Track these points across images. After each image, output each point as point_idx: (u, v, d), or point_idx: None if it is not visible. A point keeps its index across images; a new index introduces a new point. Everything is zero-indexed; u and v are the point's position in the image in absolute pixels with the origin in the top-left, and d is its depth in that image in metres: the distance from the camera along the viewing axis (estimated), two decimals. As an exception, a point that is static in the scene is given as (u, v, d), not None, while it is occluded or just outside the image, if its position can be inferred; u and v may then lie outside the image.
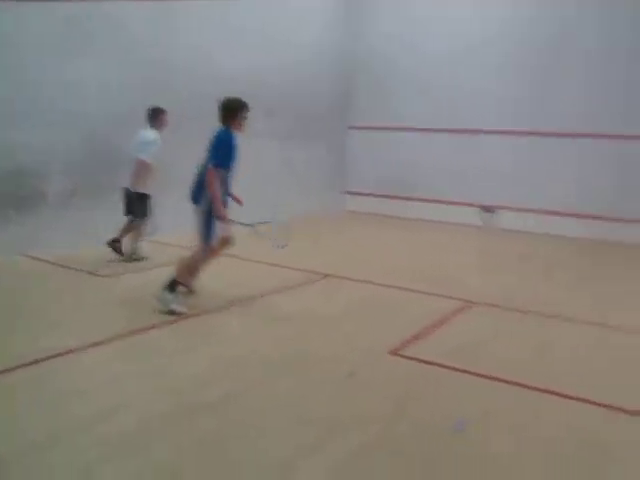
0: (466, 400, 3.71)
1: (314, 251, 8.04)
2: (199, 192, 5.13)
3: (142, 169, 6.72)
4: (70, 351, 4.23)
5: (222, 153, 5.06)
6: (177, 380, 3.87)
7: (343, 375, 3.99)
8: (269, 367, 4.12)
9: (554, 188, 9.93)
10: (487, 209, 10.60)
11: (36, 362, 4.02)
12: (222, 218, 5.05)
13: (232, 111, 5.16)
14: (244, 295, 5.72)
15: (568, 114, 9.71)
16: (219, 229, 5.11)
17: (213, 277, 5.99)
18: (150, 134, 6.80)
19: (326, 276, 6.59)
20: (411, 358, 4.33)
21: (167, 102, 7.51)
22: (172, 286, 5.14)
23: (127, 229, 7.00)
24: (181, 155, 6.84)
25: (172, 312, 5.06)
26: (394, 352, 4.42)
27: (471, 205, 10.70)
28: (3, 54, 6.85)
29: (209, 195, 5.02)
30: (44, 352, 4.16)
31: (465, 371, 4.11)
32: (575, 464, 3.05)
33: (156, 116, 6.88)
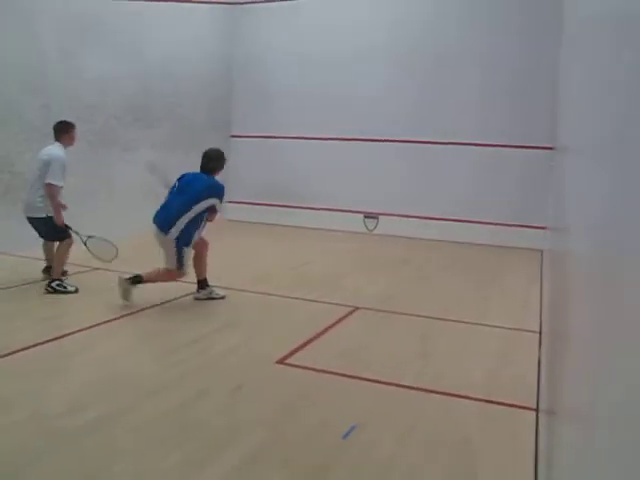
0: (353, 405, 3.72)
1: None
2: (172, 222, 5.60)
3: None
4: None
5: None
6: (48, 404, 3.59)
7: (229, 388, 3.89)
8: (148, 384, 3.92)
9: (436, 195, 10.35)
10: (370, 216, 10.85)
11: None
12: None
13: (213, 160, 6.24)
14: (122, 307, 5.45)
15: (453, 123, 10.15)
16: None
17: (83, 292, 5.70)
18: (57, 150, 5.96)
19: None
20: (298, 366, 4.30)
21: (36, 111, 7.07)
22: (137, 280, 5.58)
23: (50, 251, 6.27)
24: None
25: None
26: (281, 361, 4.38)
27: (355, 212, 10.91)
28: None
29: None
30: None
31: (351, 376, 4.15)
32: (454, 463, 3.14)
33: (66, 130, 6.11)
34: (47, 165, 5.77)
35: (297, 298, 6.14)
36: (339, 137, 10.93)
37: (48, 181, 5.73)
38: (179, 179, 5.89)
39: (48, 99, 8.08)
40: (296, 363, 4.36)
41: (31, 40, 7.88)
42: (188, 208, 5.59)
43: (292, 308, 5.87)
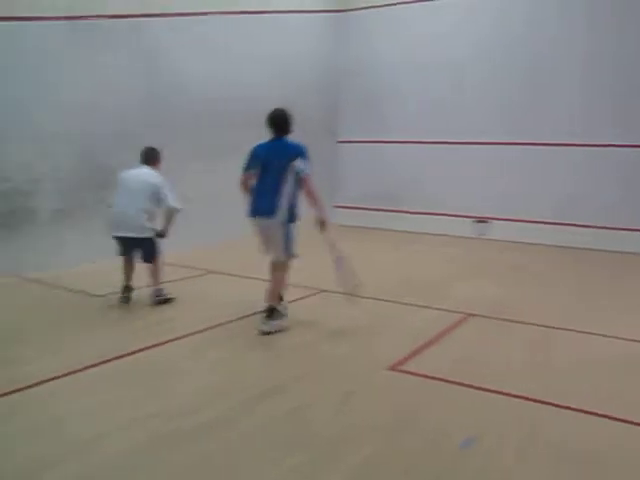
0: (469, 415, 3.62)
1: (304, 264, 7.94)
2: (271, 204, 5.03)
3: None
4: (56, 376, 4.08)
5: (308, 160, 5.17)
6: (164, 404, 3.74)
7: (341, 394, 3.90)
8: (260, 388, 4.00)
9: (547, 198, 9.94)
10: (480, 220, 10.58)
11: (19, 390, 3.86)
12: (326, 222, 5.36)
13: (290, 121, 5.34)
14: (236, 313, 5.60)
15: (560, 124, 9.75)
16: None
17: (206, 295, 5.91)
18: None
19: (320, 292, 6.50)
20: (411, 373, 4.25)
21: (159, 125, 7.48)
22: (270, 313, 5.12)
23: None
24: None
25: (282, 328, 5.14)
26: (393, 368, 4.34)
27: (463, 217, 10.68)
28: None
29: (315, 202, 5.21)
30: (29, 378, 4.01)
31: (466, 385, 4.04)
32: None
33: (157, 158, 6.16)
34: (155, 188, 5.74)
35: (407, 304, 6.08)
36: (446, 140, 10.74)
37: (173, 205, 5.78)
38: (260, 158, 5.16)
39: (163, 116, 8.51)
40: (408, 370, 4.31)
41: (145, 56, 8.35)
42: (282, 180, 5.06)
43: (402, 314, 5.82)
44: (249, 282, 6.72)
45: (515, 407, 3.74)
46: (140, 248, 5.81)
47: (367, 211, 11.64)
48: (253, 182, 5.20)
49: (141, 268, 5.90)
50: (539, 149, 9.95)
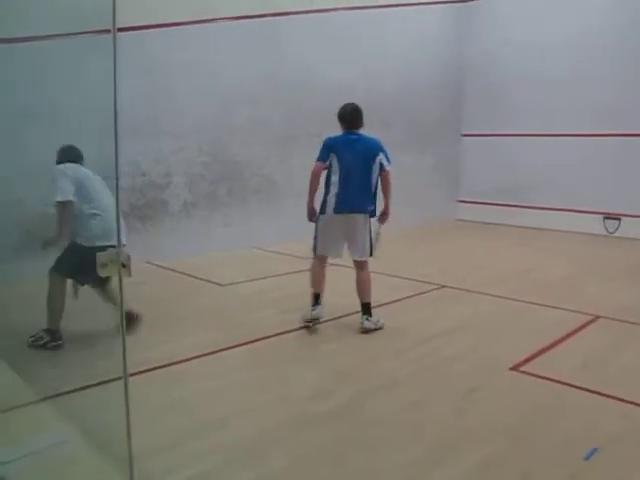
0: (596, 424, 3.47)
1: (425, 260, 7.93)
2: (365, 199, 5.00)
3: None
4: (191, 358, 4.38)
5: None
6: (294, 389, 3.91)
7: (463, 391, 3.88)
8: (386, 379, 4.07)
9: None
10: (611, 217, 10.02)
11: (153, 369, 4.15)
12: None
13: (363, 116, 5.08)
14: (355, 305, 5.69)
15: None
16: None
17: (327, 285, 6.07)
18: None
19: (442, 287, 6.46)
20: (534, 375, 4.13)
21: (280, 118, 7.71)
22: (369, 310, 5.14)
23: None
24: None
25: (380, 327, 5.09)
26: (516, 368, 4.25)
27: (593, 213, 10.15)
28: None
29: (390, 196, 5.07)
30: (161, 359, 4.30)
31: (594, 392, 3.87)
32: None
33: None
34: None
35: (532, 303, 5.90)
36: (574, 133, 10.21)
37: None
38: (336, 151, 4.97)
39: (288, 107, 8.77)
40: (532, 371, 4.20)
41: (279, 54, 8.62)
42: (371, 175, 4.98)
43: (527, 313, 5.66)
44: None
45: (647, 417, 3.56)
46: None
47: (491, 206, 11.35)
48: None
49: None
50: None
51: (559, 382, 4.01)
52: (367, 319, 5.09)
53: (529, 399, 3.80)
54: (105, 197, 4.59)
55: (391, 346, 4.75)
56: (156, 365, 4.21)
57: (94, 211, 4.49)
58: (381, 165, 4.99)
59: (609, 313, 5.55)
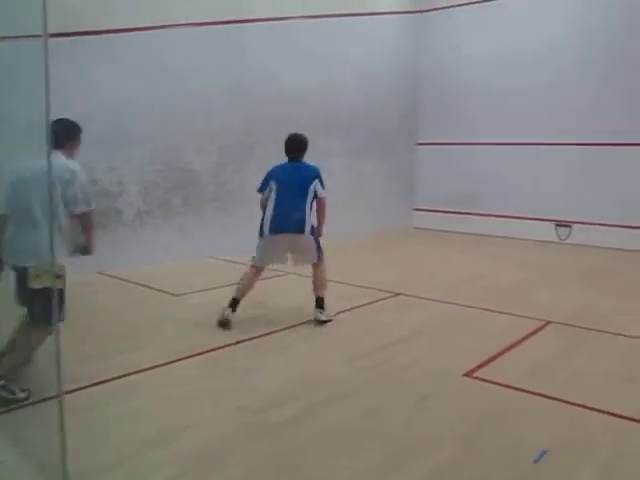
0: (546, 427, 3.53)
1: (381, 268, 7.97)
2: (299, 221, 5.36)
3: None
4: (142, 369, 4.30)
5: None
6: (250, 398, 3.86)
7: (416, 398, 3.90)
8: (339, 388, 4.06)
9: (635, 201, 9.52)
10: (562, 224, 10.26)
11: (108, 380, 4.07)
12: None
13: (305, 146, 5.57)
14: (309, 314, 5.68)
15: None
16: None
17: (279, 295, 6.03)
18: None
19: (397, 295, 6.50)
20: (486, 381, 4.19)
21: (239, 125, 7.65)
22: (321, 304, 5.53)
23: None
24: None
25: (329, 320, 5.50)
26: (469, 374, 4.29)
27: (545, 220, 10.38)
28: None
29: (324, 219, 5.51)
30: (116, 370, 4.22)
31: (544, 396, 3.94)
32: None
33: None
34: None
35: (484, 309, 5.98)
36: (527, 142, 10.46)
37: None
38: (275, 178, 5.44)
39: (248, 114, 8.74)
40: (484, 377, 4.25)
41: (240, 62, 8.61)
42: (305, 199, 5.40)
43: (479, 320, 5.73)
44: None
45: (594, 421, 3.62)
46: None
47: (446, 214, 11.50)
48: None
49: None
50: (627, 150, 9.55)
51: (510, 387, 4.07)
52: (320, 312, 5.49)
53: (480, 405, 3.84)
54: None
55: (346, 354, 4.74)
56: (112, 376, 4.12)
57: None
58: (315, 191, 5.42)
59: (559, 318, 5.66)
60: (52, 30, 2.29)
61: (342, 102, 10.02)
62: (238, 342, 4.92)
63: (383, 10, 10.96)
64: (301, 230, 5.37)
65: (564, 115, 9.99)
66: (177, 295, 6.42)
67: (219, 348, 4.77)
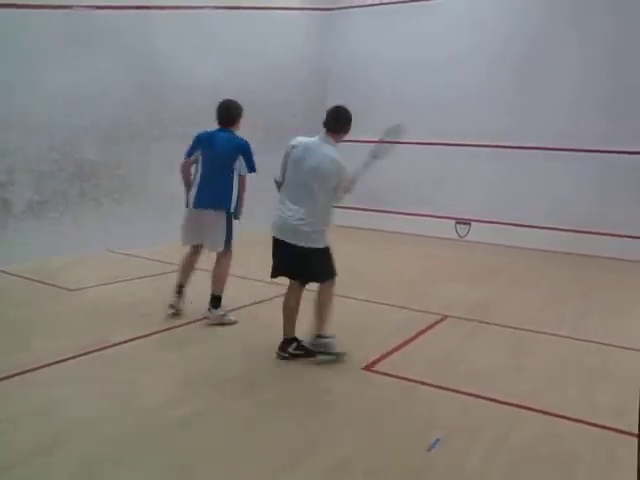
0: (440, 416, 3.65)
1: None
2: (219, 196, 5.06)
3: None
4: (35, 368, 4.06)
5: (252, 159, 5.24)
6: (146, 397, 3.73)
7: (317, 392, 3.90)
8: (238, 384, 4.01)
9: (530, 201, 10.02)
10: (462, 222, 10.64)
11: (3, 378, 3.84)
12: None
13: (235, 116, 5.22)
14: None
15: (548, 128, 9.83)
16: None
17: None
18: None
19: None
20: (385, 374, 4.26)
21: (141, 115, 7.40)
22: (216, 302, 5.19)
23: None
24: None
25: (229, 322, 5.17)
26: (367, 368, 4.35)
27: (446, 218, 10.73)
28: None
29: (238, 199, 5.14)
30: (12, 368, 3.98)
31: (439, 387, 4.06)
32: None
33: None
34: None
35: (387, 304, 6.09)
36: (432, 142, 10.77)
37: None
38: (202, 146, 5.15)
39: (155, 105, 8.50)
40: (383, 370, 4.33)
41: (147, 50, 8.34)
42: (227, 174, 5.10)
43: (381, 314, 5.83)
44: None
45: (486, 409, 3.77)
46: None
47: (356, 211, 11.61)
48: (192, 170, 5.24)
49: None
50: (526, 153, 10.03)
51: (407, 379, 4.17)
52: (209, 309, 5.17)
53: (379, 397, 3.90)
54: None
55: (247, 349, 4.68)
56: (2, 375, 3.88)
57: None
58: (239, 169, 5.15)
59: (456, 312, 5.86)
60: None
61: (249, 93, 9.89)
62: (135, 338, 4.75)
63: (294, 6, 10.95)
64: (215, 207, 5.06)
65: (463, 116, 10.39)
66: (72, 290, 6.12)
67: (114, 345, 4.57)
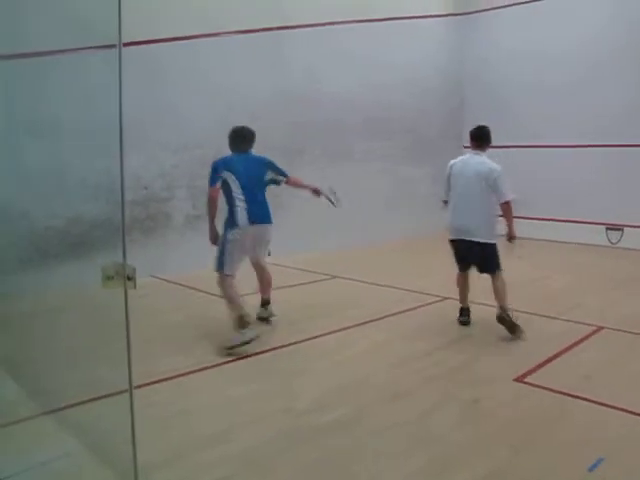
0: (600, 435, 3.46)
1: (425, 272, 7.91)
2: (268, 210, 5.39)
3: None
4: (195, 370, 4.39)
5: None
6: (294, 401, 3.89)
7: (466, 402, 3.88)
8: (388, 390, 4.06)
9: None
10: (613, 227, 10.02)
11: (156, 382, 4.15)
12: None
13: (253, 137, 5.52)
14: (356, 317, 5.70)
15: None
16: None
17: (324, 298, 6.05)
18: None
19: (444, 299, 6.45)
20: (538, 386, 4.13)
21: (280, 128, 7.72)
22: (267, 303, 5.72)
23: None
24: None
25: (248, 342, 4.86)
26: (519, 379, 4.24)
27: (596, 223, 10.15)
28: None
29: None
30: (165, 372, 4.31)
31: (598, 402, 3.86)
32: None
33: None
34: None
35: (535, 314, 5.88)
36: (577, 144, 10.24)
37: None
38: (233, 170, 5.25)
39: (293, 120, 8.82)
40: (535, 382, 4.19)
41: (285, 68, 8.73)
42: (264, 190, 5.45)
43: (530, 324, 5.62)
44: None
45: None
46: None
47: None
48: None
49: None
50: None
51: (562, 393, 4.00)
52: (265, 308, 5.69)
53: (533, 410, 3.80)
54: None
55: (396, 357, 4.73)
56: (160, 377, 4.22)
57: None
58: (274, 180, 5.52)
59: (612, 324, 5.54)
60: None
61: (386, 105, 10.01)
62: (283, 346, 4.96)
63: (426, 14, 10.93)
64: (270, 221, 5.39)
65: (610, 114, 9.77)
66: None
67: (263, 352, 4.82)
